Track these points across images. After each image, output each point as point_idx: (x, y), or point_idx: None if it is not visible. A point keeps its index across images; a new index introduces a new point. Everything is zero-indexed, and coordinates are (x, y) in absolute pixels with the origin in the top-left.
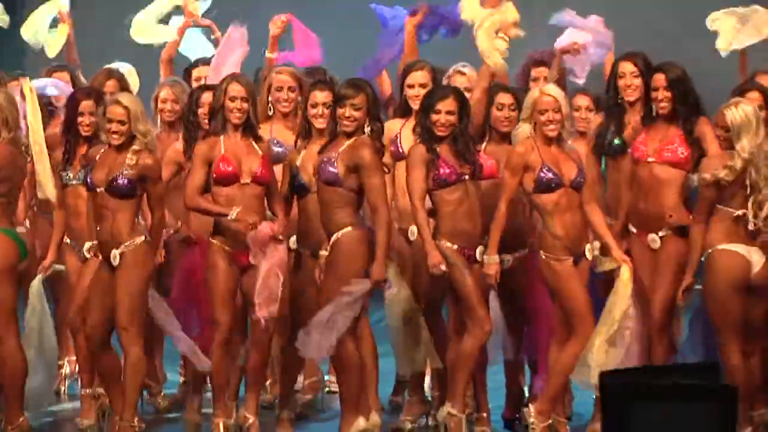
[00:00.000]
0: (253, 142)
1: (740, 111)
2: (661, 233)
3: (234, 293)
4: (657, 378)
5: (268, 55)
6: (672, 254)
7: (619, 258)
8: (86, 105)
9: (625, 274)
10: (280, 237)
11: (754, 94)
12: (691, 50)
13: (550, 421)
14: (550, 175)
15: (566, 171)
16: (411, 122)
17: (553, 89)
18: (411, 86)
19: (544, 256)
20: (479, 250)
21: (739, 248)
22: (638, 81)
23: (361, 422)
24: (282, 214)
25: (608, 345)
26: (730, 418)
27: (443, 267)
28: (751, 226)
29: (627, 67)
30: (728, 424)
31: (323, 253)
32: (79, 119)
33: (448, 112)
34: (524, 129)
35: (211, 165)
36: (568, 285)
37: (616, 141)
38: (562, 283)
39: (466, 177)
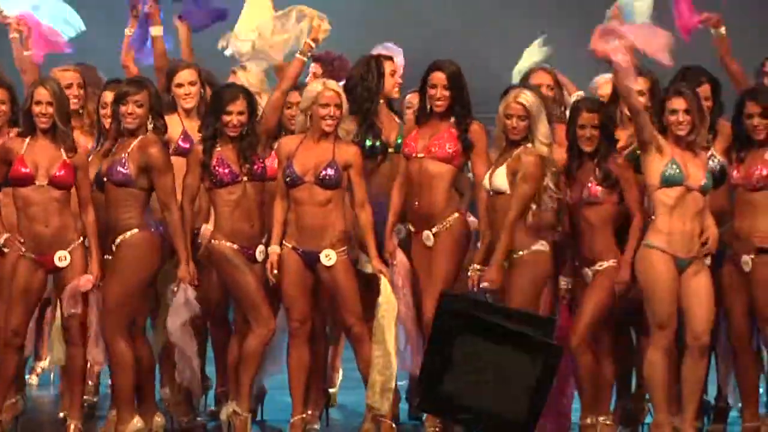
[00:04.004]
0: (62, 149)
1: (530, 96)
2: (434, 230)
3: (35, 298)
4: (492, 316)
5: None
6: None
7: (376, 268)
8: None
9: (386, 289)
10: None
11: (543, 75)
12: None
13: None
14: (289, 170)
15: (315, 167)
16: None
17: (336, 85)
18: (180, 85)
19: None
20: (259, 249)
21: None
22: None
23: (136, 422)
24: (94, 260)
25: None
26: (548, 376)
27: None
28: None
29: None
30: (546, 380)
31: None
32: None
33: (240, 113)
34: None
35: (10, 165)
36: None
37: (377, 143)
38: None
39: (245, 178)
